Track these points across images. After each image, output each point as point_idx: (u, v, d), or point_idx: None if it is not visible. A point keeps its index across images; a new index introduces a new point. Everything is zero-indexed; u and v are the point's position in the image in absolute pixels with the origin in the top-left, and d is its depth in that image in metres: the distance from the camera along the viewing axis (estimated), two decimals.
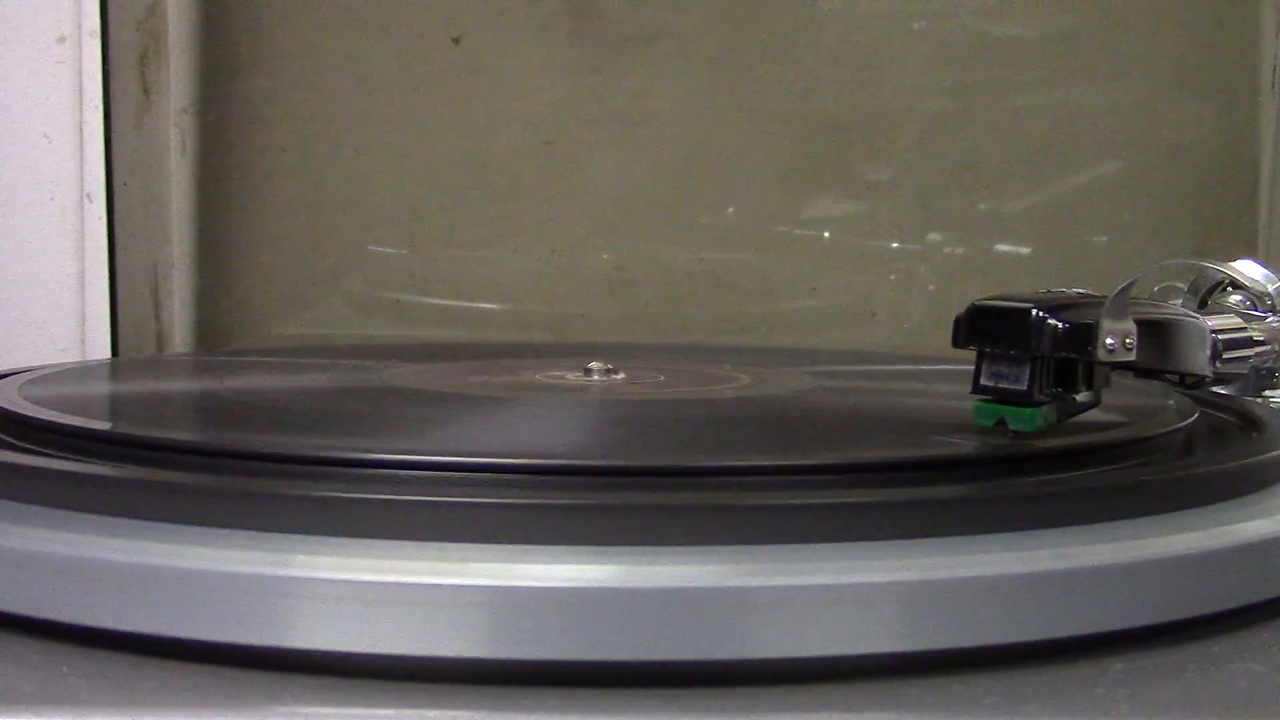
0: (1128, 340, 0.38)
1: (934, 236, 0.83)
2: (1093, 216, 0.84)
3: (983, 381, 0.38)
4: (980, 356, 0.38)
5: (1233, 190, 0.83)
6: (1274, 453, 0.40)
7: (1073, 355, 0.37)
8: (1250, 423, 0.47)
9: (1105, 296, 0.38)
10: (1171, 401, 0.47)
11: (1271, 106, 0.83)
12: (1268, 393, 0.53)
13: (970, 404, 0.39)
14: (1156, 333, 0.39)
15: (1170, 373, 0.43)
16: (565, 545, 0.30)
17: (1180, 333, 0.41)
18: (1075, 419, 0.40)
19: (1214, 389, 0.53)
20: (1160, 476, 0.37)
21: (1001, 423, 0.38)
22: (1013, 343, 0.37)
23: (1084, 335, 0.37)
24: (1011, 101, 0.83)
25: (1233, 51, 0.83)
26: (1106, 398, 0.41)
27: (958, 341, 0.39)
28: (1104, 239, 0.84)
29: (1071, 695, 0.29)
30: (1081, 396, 0.40)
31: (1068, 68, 0.83)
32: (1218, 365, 0.42)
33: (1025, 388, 0.38)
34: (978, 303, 0.38)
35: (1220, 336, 0.41)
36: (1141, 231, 0.83)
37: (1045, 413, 0.38)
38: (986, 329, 0.38)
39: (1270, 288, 0.54)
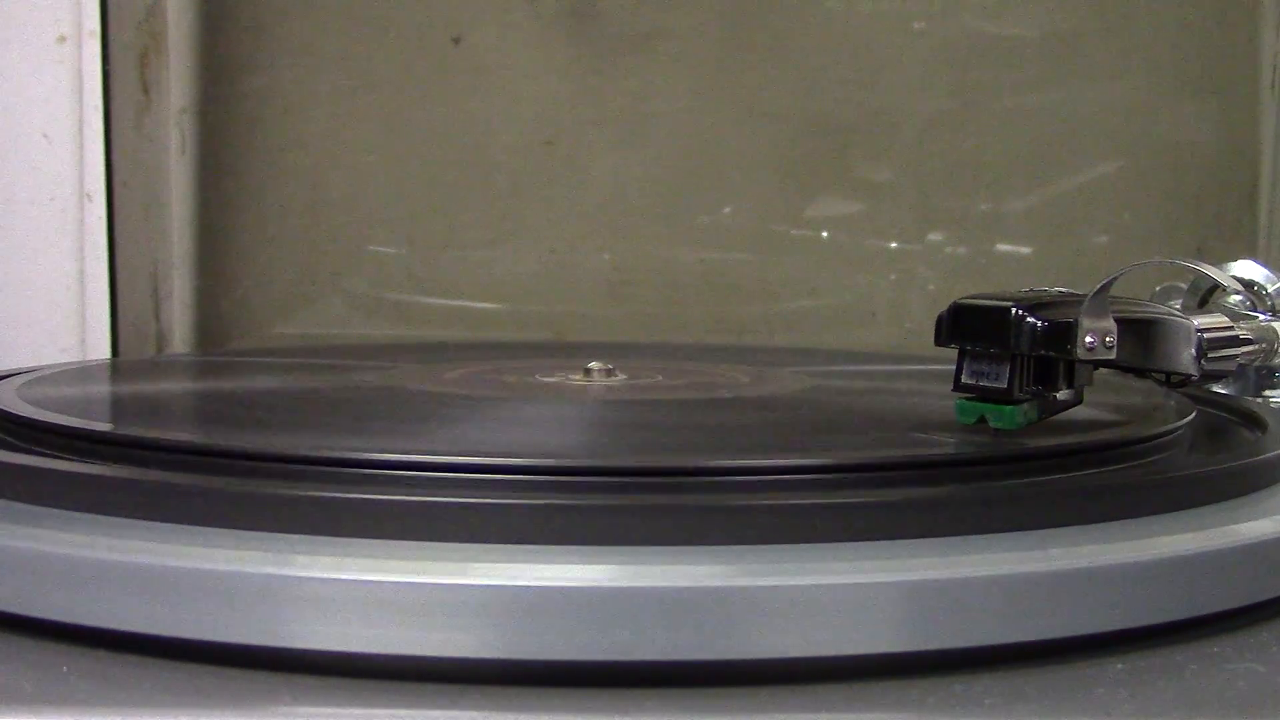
0: (1108, 339, 0.38)
1: (934, 236, 0.83)
2: (1093, 216, 0.84)
3: (964, 379, 0.39)
4: (961, 354, 0.39)
5: (1233, 190, 0.83)
6: (1274, 453, 0.40)
7: (1052, 353, 0.38)
8: (1251, 422, 0.47)
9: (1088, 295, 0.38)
10: (1172, 401, 0.47)
11: (1271, 106, 0.83)
12: (1268, 393, 0.53)
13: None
14: (1138, 331, 0.39)
15: (1155, 371, 0.43)
16: (564, 545, 0.30)
17: (1163, 331, 0.41)
18: (1077, 419, 0.40)
19: (1215, 389, 0.53)
20: (1160, 476, 0.37)
21: (982, 420, 0.38)
22: (993, 341, 0.38)
23: (1063, 333, 0.37)
24: (1011, 101, 0.83)
25: (1233, 51, 0.83)
26: (1108, 397, 0.41)
27: (940, 339, 0.39)
28: (1104, 239, 0.84)
29: (1071, 695, 0.29)
30: (1062, 395, 0.40)
31: (1068, 68, 0.83)
32: (1203, 364, 0.42)
33: (1005, 385, 0.38)
34: (959, 301, 0.39)
35: (1205, 335, 0.41)
36: (1141, 231, 0.83)
37: (1026, 410, 0.39)
38: (967, 327, 0.38)
39: (1271, 288, 0.54)
